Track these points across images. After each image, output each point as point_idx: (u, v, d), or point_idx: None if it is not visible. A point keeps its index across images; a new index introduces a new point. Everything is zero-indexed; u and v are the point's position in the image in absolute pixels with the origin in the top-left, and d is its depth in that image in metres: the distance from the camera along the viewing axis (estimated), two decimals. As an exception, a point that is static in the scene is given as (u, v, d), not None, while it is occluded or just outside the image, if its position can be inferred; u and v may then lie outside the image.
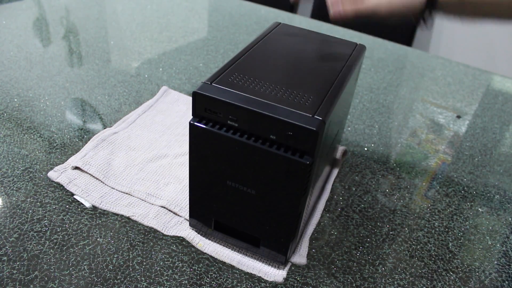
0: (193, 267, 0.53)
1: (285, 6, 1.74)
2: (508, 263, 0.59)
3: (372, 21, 0.49)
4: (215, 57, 1.02)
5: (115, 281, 0.50)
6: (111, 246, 0.54)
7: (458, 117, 0.93)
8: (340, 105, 0.51)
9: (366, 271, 0.55)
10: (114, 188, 0.61)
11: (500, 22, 0.46)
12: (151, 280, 0.50)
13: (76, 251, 0.52)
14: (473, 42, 1.89)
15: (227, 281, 0.51)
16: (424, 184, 0.72)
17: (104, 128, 0.73)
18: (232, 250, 0.55)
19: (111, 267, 0.51)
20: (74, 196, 0.59)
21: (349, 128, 0.84)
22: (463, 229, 0.64)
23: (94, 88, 0.84)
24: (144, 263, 0.52)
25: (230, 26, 1.20)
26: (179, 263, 0.53)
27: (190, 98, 0.85)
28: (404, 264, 0.57)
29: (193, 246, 0.55)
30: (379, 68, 1.09)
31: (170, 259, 0.53)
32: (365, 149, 0.78)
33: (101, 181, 0.62)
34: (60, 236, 0.54)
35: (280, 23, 0.63)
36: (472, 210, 0.68)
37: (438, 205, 0.68)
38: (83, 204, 0.59)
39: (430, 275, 0.56)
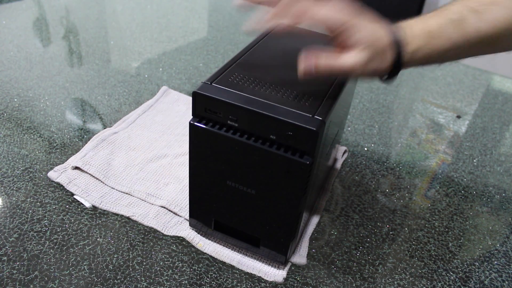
0: (193, 267, 0.53)
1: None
2: (508, 263, 0.59)
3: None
4: (215, 57, 1.02)
5: (115, 281, 0.50)
6: (111, 246, 0.54)
7: (458, 117, 0.93)
8: (340, 105, 0.51)
9: (366, 271, 0.55)
10: (114, 188, 0.61)
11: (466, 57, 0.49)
12: (151, 280, 0.50)
13: (76, 251, 0.52)
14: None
15: (227, 281, 0.51)
16: (424, 184, 0.72)
17: (104, 128, 0.73)
18: (232, 250, 0.55)
19: (111, 267, 0.51)
20: (74, 196, 0.59)
21: (349, 128, 0.84)
22: (463, 229, 0.64)
23: (94, 88, 0.84)
24: (144, 263, 0.52)
25: (230, 26, 1.20)
26: (179, 263, 0.53)
27: (190, 98, 0.85)
28: (404, 264, 0.57)
29: (193, 246, 0.55)
30: (379, 68, 1.08)
31: (170, 259, 0.53)
32: (365, 149, 0.78)
33: (101, 181, 0.62)
34: (60, 236, 0.54)
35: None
36: (472, 210, 0.68)
37: (438, 205, 0.68)
38: (83, 204, 0.59)
39: (430, 275, 0.56)
